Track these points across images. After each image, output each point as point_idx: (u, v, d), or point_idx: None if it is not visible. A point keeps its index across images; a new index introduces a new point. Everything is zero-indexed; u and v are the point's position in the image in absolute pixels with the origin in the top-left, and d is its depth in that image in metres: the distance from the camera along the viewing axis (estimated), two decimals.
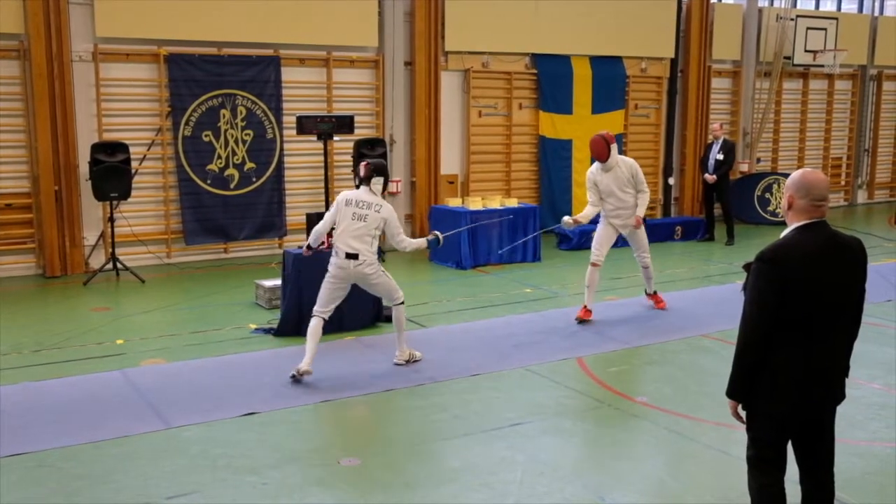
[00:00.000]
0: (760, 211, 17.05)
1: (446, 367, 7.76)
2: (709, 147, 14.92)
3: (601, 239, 9.44)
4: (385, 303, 7.66)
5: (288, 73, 13.05)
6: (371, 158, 12.50)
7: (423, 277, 11.95)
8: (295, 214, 12.99)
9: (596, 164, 9.38)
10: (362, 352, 8.26)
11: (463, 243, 12.12)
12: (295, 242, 11.57)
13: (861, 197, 20.52)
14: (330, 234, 7.69)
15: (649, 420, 6.52)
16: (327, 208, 11.35)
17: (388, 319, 9.19)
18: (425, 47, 13.87)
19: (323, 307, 7.51)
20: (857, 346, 4.25)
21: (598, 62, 15.57)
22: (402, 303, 7.69)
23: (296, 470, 5.61)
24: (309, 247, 7.85)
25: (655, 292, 9.98)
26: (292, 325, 8.71)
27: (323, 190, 11.94)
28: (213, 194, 12.64)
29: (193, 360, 7.95)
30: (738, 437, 6.17)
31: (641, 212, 9.49)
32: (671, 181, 16.82)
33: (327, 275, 7.51)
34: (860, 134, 20.15)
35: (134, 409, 6.68)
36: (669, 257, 12.16)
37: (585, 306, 9.28)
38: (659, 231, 14.31)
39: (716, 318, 9.44)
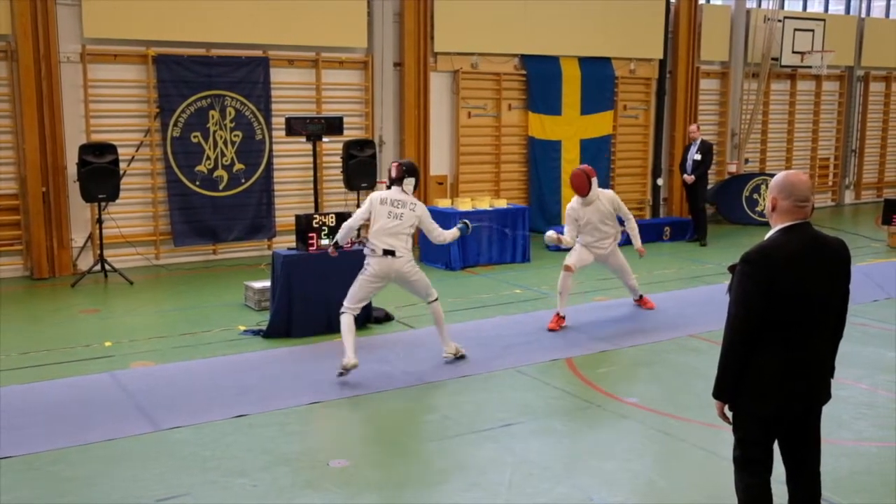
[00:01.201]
0: (749, 211, 17.12)
1: (436, 368, 7.77)
2: (687, 148, 15.06)
3: (579, 256, 9.35)
4: (423, 299, 7.87)
5: (277, 74, 13.04)
6: (357, 157, 12.58)
7: None
8: (284, 216, 12.97)
9: (576, 199, 9.30)
10: None
11: (452, 244, 12.13)
12: (284, 244, 11.54)
13: (848, 197, 20.63)
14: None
15: (638, 420, 6.54)
16: (317, 210, 11.42)
17: (378, 321, 9.26)
18: (414, 48, 13.88)
19: (353, 303, 7.62)
20: (844, 346, 4.28)
21: (586, 63, 15.61)
22: (437, 299, 7.83)
23: (286, 472, 5.60)
24: (336, 245, 7.91)
25: (641, 296, 10.04)
26: (282, 327, 8.71)
27: (312, 191, 11.92)
28: (202, 195, 12.61)
29: (182, 361, 7.94)
30: (725, 438, 6.19)
31: (638, 242, 9.51)
32: (660, 182, 16.88)
33: (363, 272, 7.61)
34: (847, 135, 20.27)
35: (123, 411, 6.66)
36: (658, 258, 12.20)
37: (558, 314, 9.16)
38: (647, 232, 14.33)
39: (704, 319, 9.47)
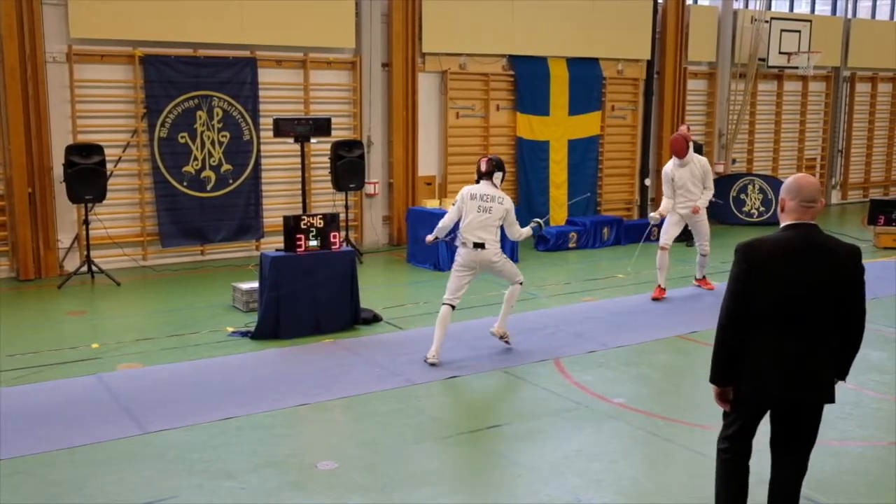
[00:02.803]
0: (736, 212, 17.19)
1: (424, 369, 7.77)
2: None
3: (668, 233, 10.68)
4: (509, 280, 8.31)
5: (264, 75, 13.02)
6: (345, 158, 12.56)
7: (400, 279, 11.95)
8: (272, 216, 12.95)
9: (673, 161, 10.66)
10: (340, 354, 8.25)
11: (441, 245, 12.12)
12: (272, 245, 11.52)
13: (835, 197, 20.74)
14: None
15: (625, 421, 6.56)
16: (304, 210, 11.40)
17: (366, 322, 9.25)
18: (402, 49, 13.88)
19: (452, 294, 7.99)
20: None
21: (574, 64, 15.63)
22: (522, 283, 8.31)
23: (273, 474, 5.60)
24: (437, 238, 8.33)
25: (704, 277, 11.16)
26: (269, 329, 8.70)
27: (300, 192, 11.89)
28: (190, 196, 12.57)
29: (170, 363, 7.91)
30: (713, 438, 6.23)
31: (702, 203, 10.66)
32: (647, 182, 16.92)
33: (455, 265, 8.02)
34: (833, 135, 20.37)
35: (110, 413, 6.64)
36: (646, 258, 12.18)
37: (660, 286, 10.53)
38: (634, 232, 14.39)
39: (691, 319, 9.52)
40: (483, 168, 8.04)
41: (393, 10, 13.78)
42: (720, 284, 11.13)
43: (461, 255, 7.94)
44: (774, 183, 17.73)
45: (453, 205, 8.09)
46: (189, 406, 6.81)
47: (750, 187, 17.41)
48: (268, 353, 8.25)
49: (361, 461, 5.84)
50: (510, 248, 12.82)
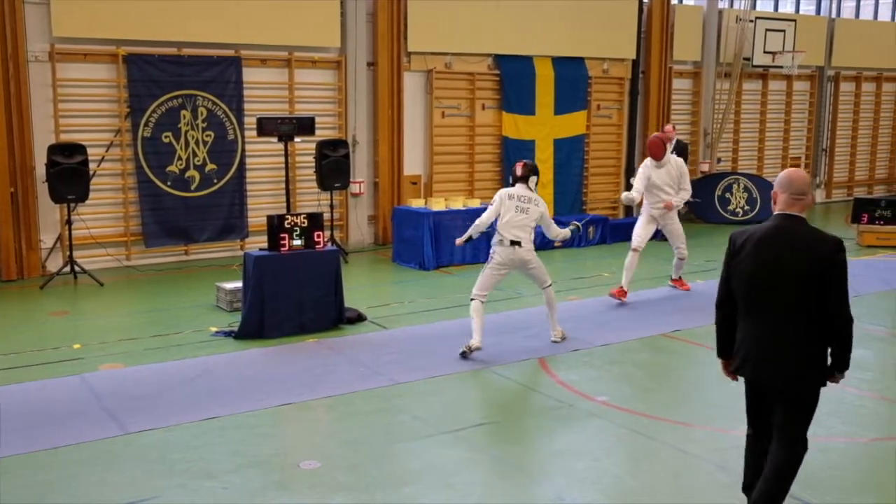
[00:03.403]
0: (721, 210, 17.25)
1: (408, 368, 7.75)
2: None
3: (641, 235, 10.52)
4: (539, 285, 8.55)
5: (249, 74, 12.96)
6: (330, 157, 12.53)
7: (385, 279, 11.93)
8: (256, 216, 12.90)
9: (651, 161, 10.54)
10: (325, 354, 8.22)
11: (426, 244, 12.12)
12: (257, 244, 11.46)
13: (819, 196, 20.84)
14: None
15: (609, 419, 6.57)
16: (288, 210, 11.36)
17: (350, 322, 9.23)
18: (388, 48, 13.86)
19: (482, 290, 8.22)
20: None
21: (560, 63, 15.65)
22: (551, 285, 8.53)
23: (256, 474, 5.57)
24: (469, 238, 8.57)
25: (680, 277, 11.03)
26: (253, 328, 8.66)
27: (284, 192, 11.85)
28: (174, 196, 12.51)
29: (153, 364, 7.87)
30: (695, 436, 6.26)
31: (676, 202, 10.64)
32: (633, 181, 16.90)
33: (490, 263, 8.27)
34: (818, 134, 20.47)
35: (92, 414, 6.60)
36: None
37: (622, 286, 10.27)
38: (622, 231, 14.40)
39: (674, 318, 9.54)
40: (519, 172, 8.38)
41: (378, 10, 13.75)
42: (699, 284, 11.17)
43: (499, 252, 8.19)
44: (759, 182, 17.81)
45: (490, 205, 8.36)
46: (172, 406, 6.77)
47: (735, 186, 17.47)
48: (251, 353, 8.22)
49: (345, 461, 5.82)
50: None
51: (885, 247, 14.13)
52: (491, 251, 8.31)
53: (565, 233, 8.73)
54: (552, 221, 8.51)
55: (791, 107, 19.85)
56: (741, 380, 4.74)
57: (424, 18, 14.15)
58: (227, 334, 8.78)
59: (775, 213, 4.49)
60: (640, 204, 10.85)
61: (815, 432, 6.12)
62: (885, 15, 21.98)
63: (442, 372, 7.67)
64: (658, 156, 10.45)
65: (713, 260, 13.29)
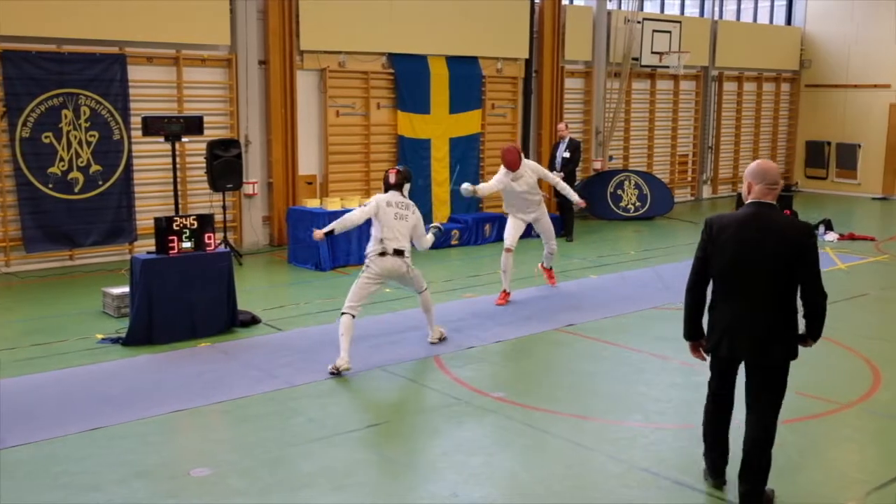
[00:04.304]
0: (613, 207, 17.64)
1: (303, 370, 7.65)
2: (556, 146, 15.43)
3: (512, 234, 10.36)
4: (416, 290, 8.37)
5: (135, 72, 12.54)
6: (222, 157, 12.25)
7: (281, 280, 11.75)
8: (145, 219, 12.48)
9: (505, 171, 10.11)
10: (218, 358, 8.03)
11: (322, 245, 11.98)
12: (146, 248, 11.12)
13: (706, 192, 21.57)
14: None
15: (504, 415, 6.63)
16: (177, 212, 11.06)
17: (244, 324, 9.05)
18: (279, 46, 13.64)
19: (355, 302, 7.80)
20: None
21: (454, 62, 15.72)
22: (427, 288, 8.36)
23: (143, 484, 5.39)
24: (329, 233, 8.02)
25: (551, 268, 11.04)
26: (142, 334, 8.39)
27: (173, 193, 11.54)
28: (56, 199, 11.99)
29: (33, 374, 7.52)
30: (589, 428, 6.38)
31: (575, 197, 10.71)
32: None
33: (364, 273, 7.88)
34: (703, 132, 21.18)
35: None
36: (526, 254, 12.38)
37: (504, 290, 10.20)
38: None
39: (569, 313, 9.71)
40: (392, 180, 8.09)
41: (269, 7, 13.52)
42: (592, 279, 11.39)
43: (377, 263, 7.83)
44: (650, 178, 18.30)
45: (364, 206, 8.00)
46: (54, 418, 6.49)
47: (626, 183, 17.90)
48: (140, 360, 7.96)
49: (238, 466, 5.69)
50: None
51: None
52: (366, 260, 7.94)
53: (430, 238, 8.40)
54: (424, 231, 8.25)
55: (678, 105, 20.48)
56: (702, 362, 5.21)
57: (317, 16, 13.99)
58: (115, 341, 8.48)
59: (749, 200, 4.80)
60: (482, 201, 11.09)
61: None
62: (763, 18, 22.92)
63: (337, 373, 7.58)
64: (514, 166, 10.01)
65: (605, 255, 13.60)
